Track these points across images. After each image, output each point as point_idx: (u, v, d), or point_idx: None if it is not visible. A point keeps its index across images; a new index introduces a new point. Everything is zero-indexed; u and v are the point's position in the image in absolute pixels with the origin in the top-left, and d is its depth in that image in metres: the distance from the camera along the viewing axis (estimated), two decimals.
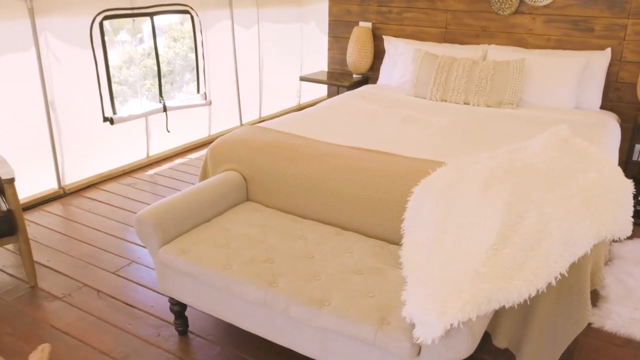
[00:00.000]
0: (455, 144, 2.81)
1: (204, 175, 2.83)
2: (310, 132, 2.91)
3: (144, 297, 2.71)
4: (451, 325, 1.55)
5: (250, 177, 2.64)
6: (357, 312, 1.78)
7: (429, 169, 2.29)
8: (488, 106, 3.62)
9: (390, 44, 4.31)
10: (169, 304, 2.40)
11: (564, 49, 3.77)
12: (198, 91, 4.92)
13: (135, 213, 3.58)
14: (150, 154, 4.59)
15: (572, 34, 3.73)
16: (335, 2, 4.62)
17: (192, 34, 4.72)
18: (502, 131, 3.06)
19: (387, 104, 3.65)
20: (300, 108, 6.37)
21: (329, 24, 4.72)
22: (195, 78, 4.88)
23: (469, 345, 1.60)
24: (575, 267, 1.94)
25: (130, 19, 4.20)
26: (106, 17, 3.92)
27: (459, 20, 4.11)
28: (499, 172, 2.19)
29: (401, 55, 4.14)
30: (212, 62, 4.93)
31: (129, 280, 2.86)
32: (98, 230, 3.38)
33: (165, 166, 4.50)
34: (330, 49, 4.80)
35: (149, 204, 3.72)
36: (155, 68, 4.44)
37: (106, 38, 3.95)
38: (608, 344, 2.42)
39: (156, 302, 2.66)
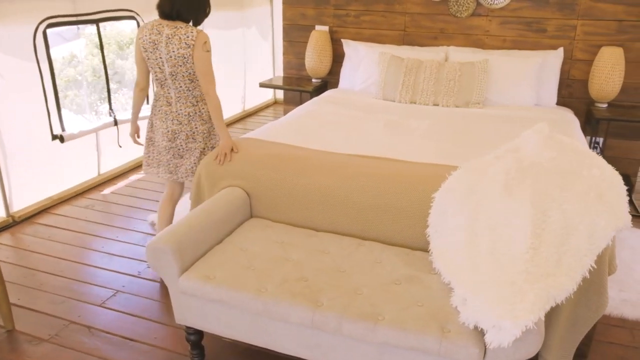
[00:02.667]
0: (450, 146, 2.86)
1: (199, 194, 2.66)
2: (304, 141, 2.83)
3: (144, 329, 2.50)
4: (526, 327, 1.57)
5: (254, 193, 2.52)
6: (415, 323, 1.76)
7: (444, 174, 2.31)
8: (457, 106, 3.74)
9: (350, 47, 4.31)
10: (178, 334, 2.23)
11: (519, 49, 3.97)
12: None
13: (101, 237, 3.32)
14: (102, 171, 4.25)
15: (527, 35, 3.94)
16: (290, 6, 4.54)
17: (117, 39, 4.43)
18: (486, 130, 3.17)
19: (363, 108, 3.65)
20: (246, 114, 6.22)
21: (284, 28, 4.64)
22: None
23: (539, 343, 1.63)
24: (597, 259, 2.04)
25: (74, 27, 3.86)
26: (50, 25, 3.57)
27: (417, 22, 4.20)
28: (514, 173, 2.25)
29: (364, 59, 4.16)
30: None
31: (120, 312, 2.62)
32: (65, 260, 3.07)
33: (121, 184, 4.19)
34: (285, 53, 4.71)
35: (116, 226, 3.49)
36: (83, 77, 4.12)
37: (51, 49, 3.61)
38: (606, 325, 2.57)
39: (160, 333, 2.47)
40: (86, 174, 4.11)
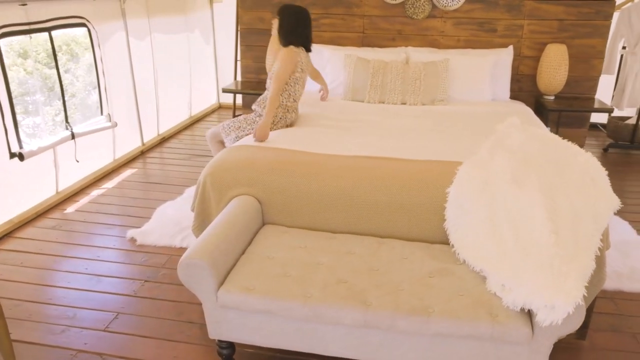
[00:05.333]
0: (442, 142, 2.99)
1: (205, 205, 2.60)
2: (304, 145, 2.85)
3: (160, 349, 2.41)
4: (576, 304, 1.73)
5: (265, 200, 2.51)
6: (465, 312, 1.87)
7: (451, 169, 2.44)
8: (423, 104, 3.92)
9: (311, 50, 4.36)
10: (197, 350, 2.18)
11: (472, 48, 4.24)
12: (102, 112, 4.40)
13: (80, 258, 3.14)
14: (60, 189, 3.98)
15: (479, 35, 4.22)
16: (246, 10, 4.51)
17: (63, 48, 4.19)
18: (464, 126, 3.36)
19: (337, 110, 3.72)
20: (193, 120, 6.07)
21: (241, 33, 4.60)
22: (97, 97, 4.35)
23: (582, 318, 1.79)
24: (602, 237, 2.27)
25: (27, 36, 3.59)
26: (3, 35, 3.29)
27: (375, 25, 4.34)
28: (516, 166, 2.43)
29: (328, 62, 4.24)
30: (107, 78, 4.44)
31: (128, 334, 2.51)
32: (49, 286, 2.87)
33: (83, 200, 3.95)
34: (243, 57, 4.67)
35: (92, 245, 3.29)
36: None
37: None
38: (598, 298, 2.83)
39: (178, 352, 2.39)
40: (44, 193, 3.84)
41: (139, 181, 4.35)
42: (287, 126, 3.31)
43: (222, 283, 2.05)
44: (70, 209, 3.82)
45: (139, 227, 3.49)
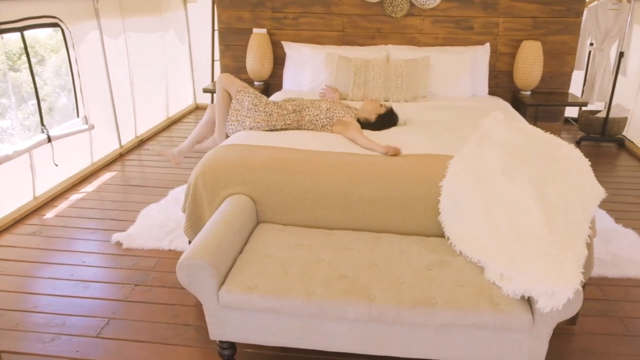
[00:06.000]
0: (429, 137, 3.01)
1: (197, 205, 2.57)
2: (296, 143, 2.84)
3: (158, 354, 2.36)
4: (575, 289, 1.78)
5: (259, 198, 2.50)
6: (468, 302, 1.90)
7: (442, 163, 2.48)
8: (406, 101, 3.97)
9: (292, 49, 4.36)
10: (196, 353, 2.16)
11: (450, 45, 4.31)
12: (78, 115, 4.29)
13: (65, 264, 3.06)
14: (37, 194, 3.87)
15: (456, 32, 4.29)
16: (225, 9, 4.47)
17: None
18: (449, 121, 3.40)
19: None
20: (170, 122, 5.98)
21: (219, 32, 4.55)
22: (67, 100, 4.23)
23: (580, 302, 1.85)
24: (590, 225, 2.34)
25: None
26: None
27: (354, 23, 4.37)
28: (505, 158, 2.49)
29: (309, 60, 4.24)
30: (82, 79, 4.33)
31: (123, 340, 2.45)
32: (34, 294, 2.79)
33: (62, 205, 3.85)
34: (222, 57, 4.63)
35: (76, 251, 3.20)
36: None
37: None
38: (585, 284, 2.91)
39: (176, 356, 2.35)
40: (20, 199, 3.72)
41: (119, 184, 4.26)
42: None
43: (222, 283, 2.03)
44: (50, 214, 3.71)
45: (124, 231, 3.42)
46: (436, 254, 2.23)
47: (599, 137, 5.24)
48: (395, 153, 2.70)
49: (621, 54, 4.96)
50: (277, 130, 3.12)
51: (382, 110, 3.28)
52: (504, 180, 2.32)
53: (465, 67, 4.10)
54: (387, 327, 1.94)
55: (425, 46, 4.32)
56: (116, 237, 3.33)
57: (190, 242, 2.67)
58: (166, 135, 5.65)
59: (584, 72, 5.40)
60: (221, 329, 2.07)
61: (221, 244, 2.08)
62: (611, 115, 5.19)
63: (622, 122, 5.21)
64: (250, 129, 3.11)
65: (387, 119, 3.25)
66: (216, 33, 5.76)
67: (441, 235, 2.38)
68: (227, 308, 2.01)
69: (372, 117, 3.23)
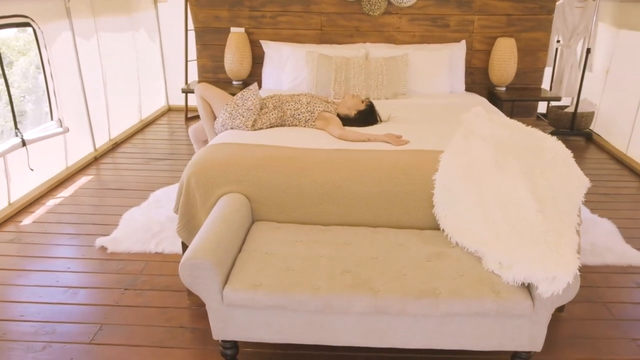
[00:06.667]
0: (416, 133, 3.07)
1: (190, 205, 2.53)
2: (286, 141, 2.84)
3: (156, 358, 2.32)
4: (574, 274, 1.85)
5: (254, 196, 2.49)
6: (470, 291, 1.94)
7: (433, 157, 2.53)
8: (387, 98, 4.02)
9: (270, 48, 4.36)
10: (195, 354, 2.14)
11: (427, 43, 4.39)
12: (52, 118, 4.16)
13: (49, 271, 2.97)
14: (12, 200, 3.73)
15: (433, 30, 4.37)
16: (201, 9, 4.42)
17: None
18: (432, 117, 3.46)
19: None
20: (144, 124, 5.86)
21: (196, 32, 4.51)
22: (47, 102, 4.11)
23: (578, 286, 1.91)
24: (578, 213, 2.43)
25: None
26: None
27: (333, 22, 4.39)
28: (494, 151, 2.56)
29: (289, 59, 4.24)
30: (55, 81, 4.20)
31: (118, 345, 2.40)
32: (18, 302, 2.69)
33: (40, 211, 3.73)
34: (199, 57, 4.58)
35: (59, 257, 3.11)
36: None
37: None
38: None
39: (176, 358, 2.32)
40: None
41: (96, 188, 4.16)
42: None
43: (225, 282, 2.01)
44: (27, 220, 3.59)
45: (108, 235, 3.34)
46: (433, 246, 2.27)
47: (567, 131, 5.43)
48: (400, 141, 2.78)
49: (588, 51, 5.15)
50: (261, 129, 3.12)
51: (363, 107, 3.31)
52: (496, 173, 2.38)
53: (443, 64, 4.19)
54: (391, 319, 1.97)
55: (402, 44, 4.39)
56: (100, 241, 3.25)
57: (183, 242, 2.64)
58: (140, 138, 5.54)
59: (552, 68, 5.58)
60: (225, 328, 2.05)
61: (222, 243, 2.06)
62: (579, 110, 5.38)
63: (590, 116, 5.41)
64: (238, 127, 3.09)
65: (367, 116, 3.28)
66: (190, 33, 5.72)
67: (435, 227, 2.43)
68: (231, 307, 2.00)
69: (352, 113, 3.26)
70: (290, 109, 3.17)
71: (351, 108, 3.28)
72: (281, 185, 2.47)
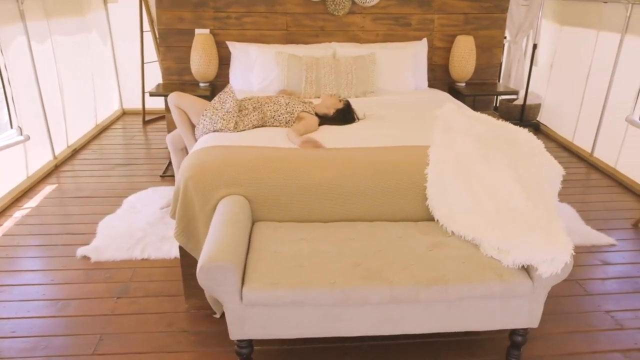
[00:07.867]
0: (395, 130, 3.19)
1: (188, 209, 2.52)
2: (277, 142, 2.87)
3: None
4: (570, 254, 2.02)
5: (254, 197, 2.51)
6: (477, 276, 2.08)
7: (422, 152, 2.65)
8: (357, 96, 4.12)
9: (237, 49, 4.35)
10: (205, 356, 2.16)
11: (390, 41, 4.53)
12: (11, 126, 3.97)
13: (33, 284, 2.87)
14: None
15: (395, 29, 4.52)
16: (165, 10, 4.35)
17: None
18: (401, 113, 3.58)
19: None
20: (100, 130, 5.68)
21: (159, 33, 4.42)
22: (5, 109, 3.91)
23: (572, 265, 2.09)
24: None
25: None
26: None
27: (298, 22, 4.45)
28: (477, 144, 2.72)
29: (257, 60, 4.25)
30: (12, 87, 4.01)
31: (123, 354, 2.37)
32: (7, 319, 2.59)
33: (8, 223, 3.56)
34: (164, 59, 4.50)
35: (42, 269, 3.00)
36: None
37: None
38: None
39: None
40: None
41: (62, 197, 4.02)
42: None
43: (242, 283, 2.04)
44: None
45: (88, 244, 3.25)
46: (431, 236, 2.39)
47: (517, 122, 5.75)
48: (316, 146, 2.81)
49: (534, 46, 5.50)
50: (244, 130, 3.14)
51: (341, 105, 3.40)
52: (483, 165, 2.53)
53: (407, 62, 4.34)
54: (404, 307, 2.07)
55: (367, 43, 4.51)
56: (82, 251, 3.16)
57: (180, 247, 2.62)
58: (97, 143, 5.37)
59: (500, 63, 5.90)
60: (242, 327, 2.08)
61: (237, 245, 2.09)
62: (527, 102, 5.73)
63: (537, 108, 5.78)
64: (220, 130, 3.09)
65: (345, 114, 3.38)
66: (146, 34, 5.59)
67: (428, 218, 2.55)
68: (250, 306, 2.03)
69: (331, 112, 3.35)
70: (270, 110, 3.21)
71: (330, 107, 3.36)
72: (278, 185, 2.51)
